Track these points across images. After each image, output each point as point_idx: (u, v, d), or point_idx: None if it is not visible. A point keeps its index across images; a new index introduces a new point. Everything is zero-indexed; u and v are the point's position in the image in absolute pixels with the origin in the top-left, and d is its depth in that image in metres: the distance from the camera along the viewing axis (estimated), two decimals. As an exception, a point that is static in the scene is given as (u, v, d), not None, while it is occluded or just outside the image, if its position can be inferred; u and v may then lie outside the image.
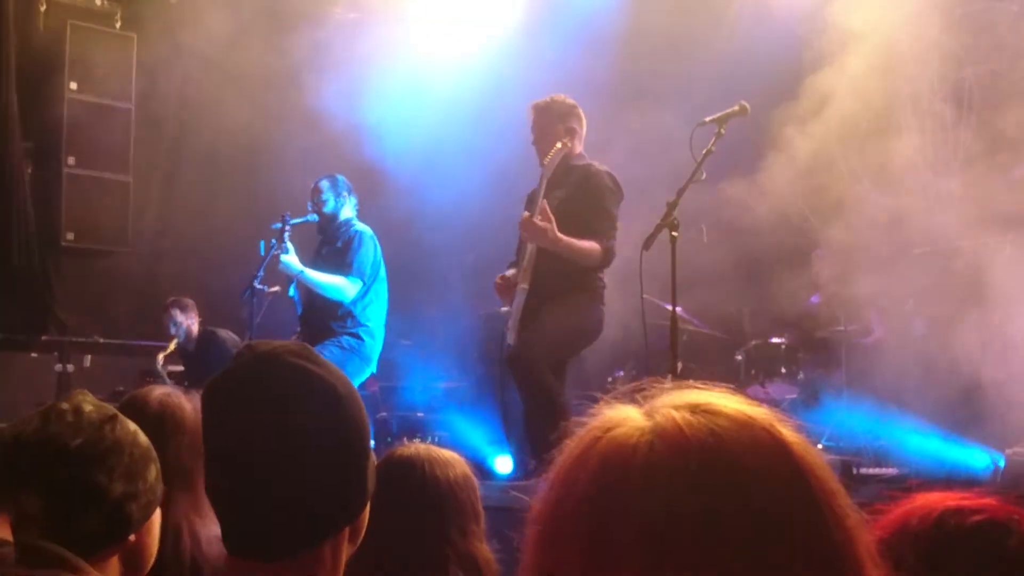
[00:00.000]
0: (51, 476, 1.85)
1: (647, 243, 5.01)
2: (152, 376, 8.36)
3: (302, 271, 6.72)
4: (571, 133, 5.89)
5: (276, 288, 7.06)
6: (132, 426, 2.02)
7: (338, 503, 1.66)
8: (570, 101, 5.96)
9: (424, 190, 8.90)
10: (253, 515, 1.61)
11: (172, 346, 8.47)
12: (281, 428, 1.60)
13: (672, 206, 5.08)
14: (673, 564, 0.90)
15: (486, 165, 8.35)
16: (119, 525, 1.93)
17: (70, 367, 8.88)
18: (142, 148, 10.00)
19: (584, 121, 5.99)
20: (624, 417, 1.00)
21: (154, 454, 2.05)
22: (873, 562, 0.97)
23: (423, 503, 2.43)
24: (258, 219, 7.13)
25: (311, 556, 1.64)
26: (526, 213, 5.56)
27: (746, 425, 0.97)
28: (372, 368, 6.95)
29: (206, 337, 8.54)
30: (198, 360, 8.49)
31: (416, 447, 2.67)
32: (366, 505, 1.72)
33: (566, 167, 5.82)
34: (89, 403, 1.99)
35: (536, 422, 5.40)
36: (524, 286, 5.72)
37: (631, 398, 1.03)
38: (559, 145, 5.72)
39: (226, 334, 8.46)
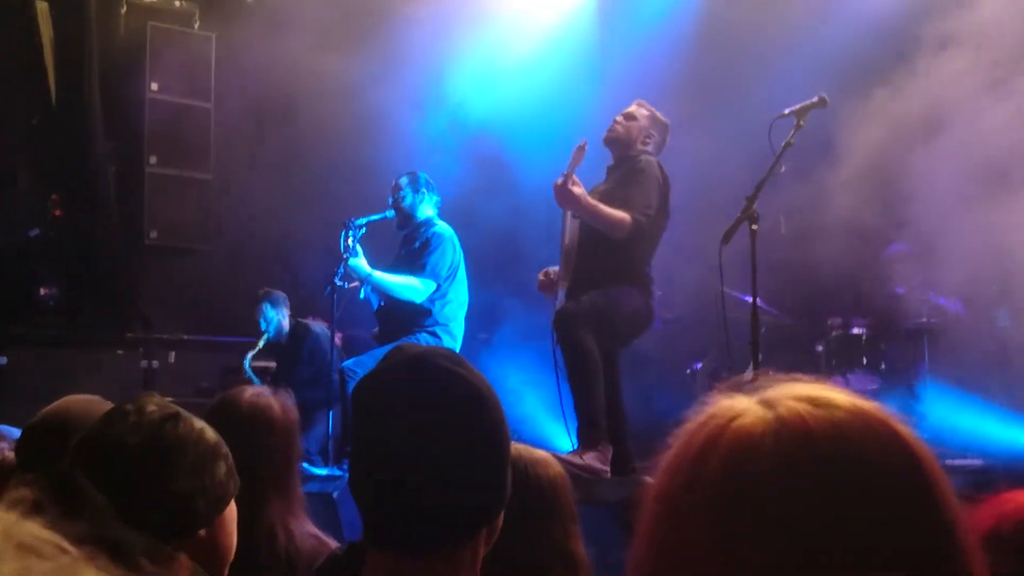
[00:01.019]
0: (111, 473, 1.89)
1: (727, 236, 5.00)
2: (235, 373, 8.36)
3: (370, 274, 6.75)
4: (650, 143, 5.98)
5: (356, 283, 7.07)
6: (198, 424, 2.06)
7: (481, 503, 1.72)
8: (666, 120, 6.04)
9: (509, 179, 8.94)
10: (401, 510, 1.66)
11: (261, 343, 8.39)
12: (432, 428, 1.66)
13: (751, 199, 5.07)
14: (802, 548, 0.95)
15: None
16: (186, 520, 1.98)
17: (155, 363, 8.96)
18: (221, 146, 10.14)
19: (664, 136, 6.05)
20: (744, 407, 1.05)
21: (224, 450, 2.09)
22: (978, 552, 1.01)
23: (528, 504, 2.43)
24: (336, 217, 7.14)
25: (454, 554, 1.70)
26: (559, 179, 5.53)
27: (863, 417, 1.02)
28: None
29: (299, 331, 8.47)
30: (291, 354, 8.44)
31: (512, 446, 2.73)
32: (503, 507, 1.76)
33: (622, 161, 5.90)
34: (154, 403, 2.04)
35: (575, 386, 5.43)
36: (565, 284, 5.75)
37: (740, 389, 1.08)
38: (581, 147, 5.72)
39: (320, 327, 8.39)
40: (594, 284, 5.60)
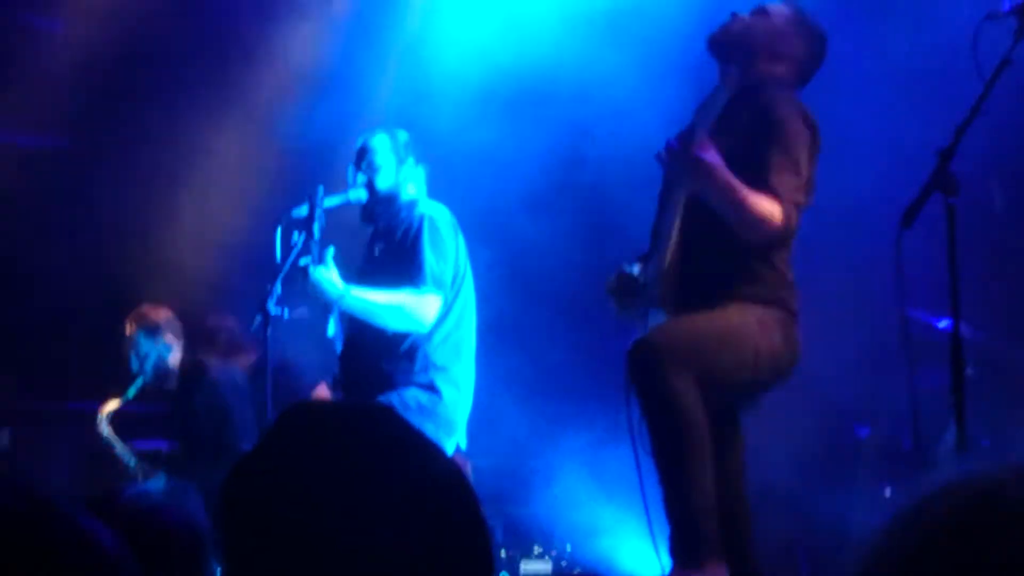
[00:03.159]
0: None
1: (908, 216, 4.72)
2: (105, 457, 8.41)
3: (344, 294, 6.52)
4: (783, 63, 5.71)
5: (302, 311, 7.01)
6: None
7: None
8: (821, 31, 5.81)
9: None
10: None
11: (131, 392, 8.31)
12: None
13: (946, 155, 4.77)
14: None
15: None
16: None
17: None
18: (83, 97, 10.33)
19: (814, 50, 5.79)
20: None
21: None
22: None
23: None
24: (265, 202, 6.77)
25: None
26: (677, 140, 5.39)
27: None
28: (459, 437, 6.77)
29: (190, 373, 8.39)
30: (182, 410, 8.34)
31: None
32: None
33: (740, 99, 5.68)
34: None
35: (664, 467, 5.25)
36: (661, 304, 5.59)
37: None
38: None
39: (228, 371, 8.35)
40: (704, 301, 5.43)
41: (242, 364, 8.60)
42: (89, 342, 9.95)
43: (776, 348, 5.44)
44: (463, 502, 1.86)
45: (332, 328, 6.76)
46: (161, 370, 8.36)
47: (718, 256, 5.43)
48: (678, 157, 5.28)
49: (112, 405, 8.32)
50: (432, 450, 1.89)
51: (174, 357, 8.42)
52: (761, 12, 5.77)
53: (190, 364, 8.39)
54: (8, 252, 10.07)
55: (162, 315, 8.47)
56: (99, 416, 8.31)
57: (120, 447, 8.25)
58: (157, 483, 7.98)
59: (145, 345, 8.33)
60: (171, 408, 8.50)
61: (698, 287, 5.46)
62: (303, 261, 6.50)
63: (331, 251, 6.56)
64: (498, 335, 7.44)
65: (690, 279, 5.52)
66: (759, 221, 5.26)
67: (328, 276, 6.51)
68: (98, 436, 8.29)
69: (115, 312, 9.20)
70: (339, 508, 1.77)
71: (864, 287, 7.58)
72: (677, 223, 5.56)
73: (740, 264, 5.45)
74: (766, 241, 5.34)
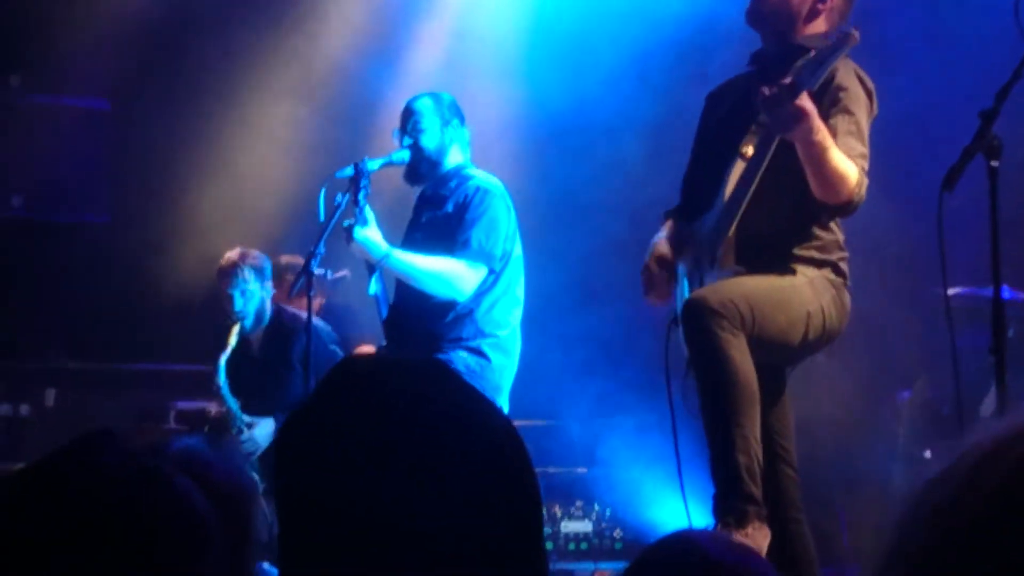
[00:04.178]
0: None
1: (949, 179, 4.65)
2: (156, 418, 8.42)
3: (387, 254, 6.49)
4: (816, 16, 5.61)
5: (344, 273, 6.55)
6: None
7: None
8: None
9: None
10: None
11: (234, 337, 7.95)
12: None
13: (989, 117, 4.72)
14: None
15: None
16: None
17: (24, 409, 9.18)
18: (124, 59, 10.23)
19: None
20: None
21: None
22: None
23: None
24: (313, 165, 6.73)
25: None
26: (773, 87, 5.09)
27: None
28: (504, 399, 6.74)
29: (285, 323, 8.16)
30: (271, 360, 8.11)
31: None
32: None
33: (783, 54, 5.53)
34: None
35: (710, 422, 5.20)
36: (726, 261, 5.43)
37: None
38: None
39: (318, 322, 7.87)
40: (760, 261, 5.38)
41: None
42: (135, 302, 9.85)
43: (826, 310, 5.39)
44: (516, 456, 1.84)
45: (374, 286, 6.70)
46: (259, 315, 8.14)
47: (778, 217, 5.38)
48: (781, 102, 5.09)
49: (224, 355, 7.94)
50: (485, 405, 1.87)
51: (269, 304, 8.19)
52: None
53: (281, 312, 8.21)
54: (51, 211, 10.05)
55: (265, 258, 8.21)
56: (219, 362, 7.91)
57: (231, 399, 7.92)
58: (264, 428, 7.93)
59: (253, 285, 8.05)
60: (251, 358, 8.21)
61: (755, 247, 5.39)
62: (347, 222, 6.48)
63: (374, 215, 6.53)
64: (547, 299, 7.41)
65: (749, 239, 5.40)
66: (841, 179, 5.16)
67: (371, 236, 6.49)
68: (215, 385, 7.93)
69: (159, 272, 9.23)
70: (392, 460, 1.75)
71: (905, 249, 7.57)
72: (751, 186, 5.41)
73: (798, 225, 5.43)
74: (840, 202, 5.25)
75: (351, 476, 1.75)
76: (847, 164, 5.14)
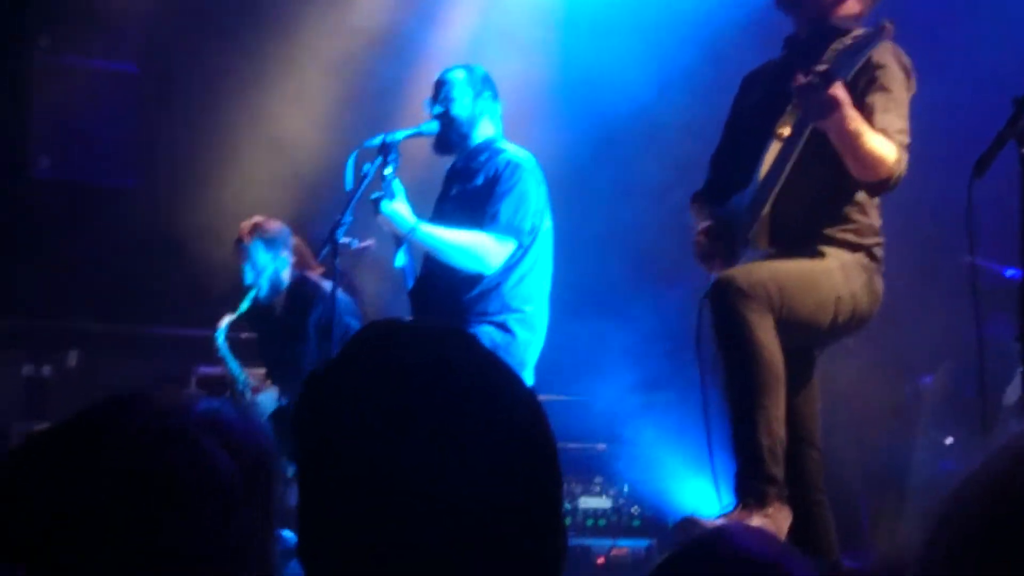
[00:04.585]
0: None
1: (981, 165, 4.62)
2: (176, 382, 8.33)
3: (414, 227, 6.49)
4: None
5: (370, 242, 6.51)
6: None
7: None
8: None
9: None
10: None
11: (245, 303, 8.01)
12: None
13: (1023, 103, 4.69)
14: None
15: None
16: None
17: (46, 370, 9.19)
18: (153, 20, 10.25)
19: None
20: None
21: None
22: None
23: None
24: (344, 134, 6.70)
25: None
26: (807, 76, 5.07)
27: None
28: (528, 374, 6.71)
29: (304, 289, 8.13)
30: (289, 325, 8.07)
31: None
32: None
33: (820, 33, 5.53)
34: None
35: (735, 401, 5.18)
36: (760, 243, 5.39)
37: None
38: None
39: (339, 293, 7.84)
40: (795, 242, 5.36)
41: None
42: (159, 267, 9.87)
43: (857, 295, 5.37)
44: (537, 427, 1.84)
45: (400, 259, 6.70)
46: (275, 285, 8.11)
47: (813, 199, 5.37)
48: (815, 90, 5.08)
49: (227, 318, 8.08)
50: (508, 374, 1.87)
51: (287, 273, 8.16)
52: None
53: (303, 281, 8.17)
54: (79, 172, 10.04)
55: (280, 227, 8.22)
56: (218, 329, 8.05)
57: (233, 362, 8.03)
58: (267, 398, 7.99)
59: (263, 257, 8.06)
60: (273, 325, 8.20)
61: (789, 228, 5.38)
62: (374, 195, 6.48)
63: (400, 186, 6.51)
64: (571, 282, 7.42)
65: (784, 220, 5.39)
66: (879, 160, 5.16)
67: (398, 209, 6.49)
68: (214, 349, 8.04)
69: (185, 237, 9.24)
70: (412, 425, 1.75)
71: (932, 232, 7.52)
72: (787, 166, 5.39)
73: (832, 208, 5.42)
74: (878, 180, 5.23)
75: (370, 440, 1.75)
76: (883, 145, 5.12)
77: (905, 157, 5.19)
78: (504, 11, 9.59)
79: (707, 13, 8.54)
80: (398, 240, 6.63)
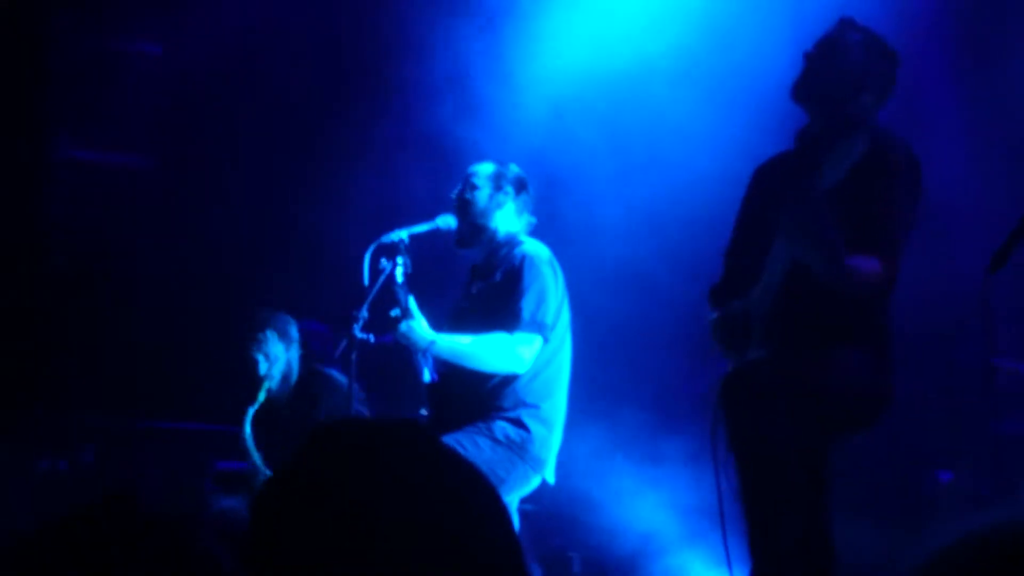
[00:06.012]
0: None
1: (998, 259, 4.76)
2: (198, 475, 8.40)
3: (432, 343, 6.47)
4: (863, 91, 5.51)
5: (386, 338, 6.78)
6: None
7: None
8: (893, 50, 5.60)
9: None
10: None
11: (262, 394, 7.85)
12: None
13: None
14: None
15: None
16: None
17: (61, 464, 9.07)
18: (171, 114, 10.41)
19: (891, 70, 5.59)
20: None
21: None
22: None
23: None
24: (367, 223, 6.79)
25: None
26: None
27: None
28: (548, 472, 6.65)
29: (314, 382, 7.99)
30: (296, 419, 7.87)
31: None
32: None
33: (828, 139, 5.44)
34: None
35: (750, 501, 5.12)
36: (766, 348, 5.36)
37: None
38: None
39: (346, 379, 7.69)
40: (802, 340, 5.30)
41: None
42: (171, 362, 9.85)
43: (870, 392, 5.35)
44: (493, 521, 1.84)
45: (427, 375, 6.59)
46: (287, 377, 8.00)
47: (819, 296, 5.23)
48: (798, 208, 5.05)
49: (250, 410, 7.81)
50: (465, 469, 1.87)
51: (296, 362, 8.04)
52: (833, 48, 5.56)
53: (314, 373, 8.05)
54: (91, 270, 10.08)
55: (290, 319, 8.11)
56: (244, 421, 7.78)
57: (256, 455, 7.76)
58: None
59: (277, 348, 7.96)
60: (277, 417, 8.00)
61: (798, 326, 5.33)
62: (393, 312, 6.47)
63: (413, 301, 6.50)
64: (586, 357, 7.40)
65: (791, 317, 5.34)
66: (858, 286, 5.13)
67: (417, 327, 6.48)
68: (241, 439, 7.78)
69: (196, 332, 9.25)
70: (366, 523, 1.75)
71: (948, 327, 7.51)
72: (788, 263, 5.35)
73: (840, 306, 5.30)
74: (861, 298, 5.20)
75: (327, 542, 1.75)
76: (864, 268, 5.09)
77: (896, 264, 5.17)
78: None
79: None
80: (423, 352, 6.56)
